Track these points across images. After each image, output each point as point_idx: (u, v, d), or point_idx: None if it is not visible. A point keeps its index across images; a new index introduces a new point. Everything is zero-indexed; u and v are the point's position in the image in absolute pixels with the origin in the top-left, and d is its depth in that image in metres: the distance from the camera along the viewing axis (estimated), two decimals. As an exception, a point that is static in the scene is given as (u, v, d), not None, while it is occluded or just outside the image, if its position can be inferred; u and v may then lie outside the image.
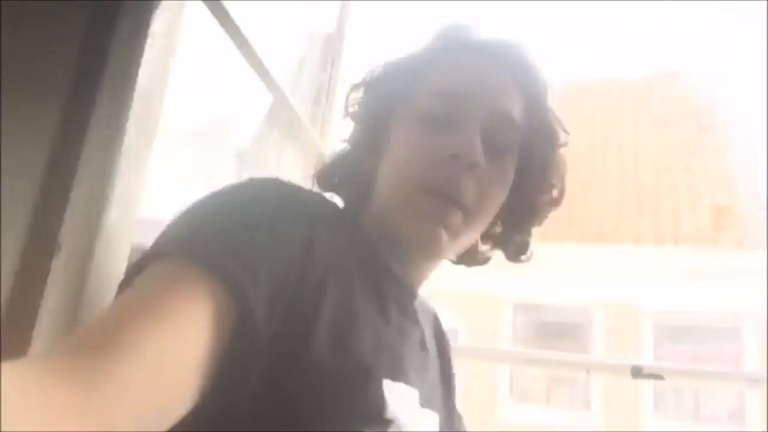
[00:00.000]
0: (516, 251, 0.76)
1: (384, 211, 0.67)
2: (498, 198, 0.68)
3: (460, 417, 0.79)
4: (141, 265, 0.48)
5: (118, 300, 0.46)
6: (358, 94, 0.75)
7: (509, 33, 0.72)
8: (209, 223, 0.50)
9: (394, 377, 0.57)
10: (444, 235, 0.64)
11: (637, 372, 1.54)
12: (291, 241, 0.52)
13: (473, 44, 0.70)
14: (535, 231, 0.75)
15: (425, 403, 0.63)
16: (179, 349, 0.42)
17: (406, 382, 0.59)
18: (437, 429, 0.66)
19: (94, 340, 0.39)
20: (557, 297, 8.95)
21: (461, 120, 0.65)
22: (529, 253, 0.76)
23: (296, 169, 1.51)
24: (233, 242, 0.48)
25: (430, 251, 0.66)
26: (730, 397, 8.28)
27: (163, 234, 0.51)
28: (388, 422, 0.54)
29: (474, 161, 0.63)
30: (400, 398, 0.56)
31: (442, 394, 0.74)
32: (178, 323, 0.42)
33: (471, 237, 0.68)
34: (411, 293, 0.70)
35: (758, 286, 7.31)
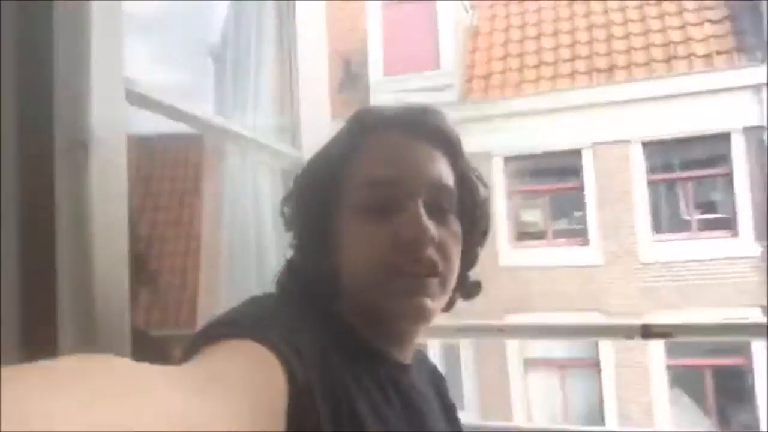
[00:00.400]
0: (470, 293, 0.82)
1: (364, 301, 0.70)
2: (457, 253, 0.73)
3: None
4: (212, 336, 0.55)
5: (205, 351, 0.53)
6: (291, 197, 0.78)
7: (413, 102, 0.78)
8: (261, 315, 0.60)
9: None
10: (429, 304, 0.69)
11: (647, 332, 1.52)
12: (313, 348, 0.59)
13: (388, 121, 0.74)
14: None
15: None
16: (267, 388, 0.50)
17: None
18: None
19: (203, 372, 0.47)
20: (545, 145, 8.94)
21: (404, 202, 0.69)
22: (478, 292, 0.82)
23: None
24: (282, 330, 0.57)
25: (420, 322, 0.71)
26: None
27: (226, 317, 0.60)
28: None
29: (432, 238, 0.68)
30: None
31: None
32: (262, 373, 0.51)
33: (447, 295, 0.74)
34: (404, 369, 0.74)
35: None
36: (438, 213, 0.71)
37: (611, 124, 8.78)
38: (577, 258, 8.95)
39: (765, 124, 8.09)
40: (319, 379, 0.57)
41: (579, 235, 9.16)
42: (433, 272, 0.69)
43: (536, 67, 9.58)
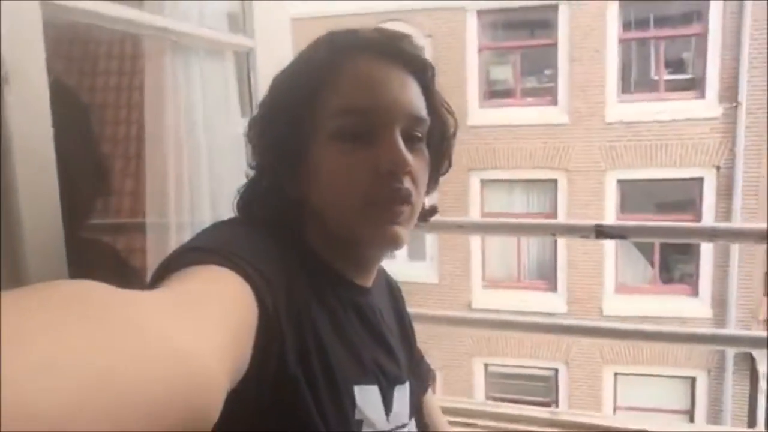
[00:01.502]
0: (426, 217, 0.83)
1: (335, 228, 0.71)
2: (425, 179, 0.75)
3: (421, 356, 0.95)
4: (182, 262, 0.55)
5: (179, 275, 0.53)
6: (258, 120, 0.75)
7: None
8: (230, 242, 0.60)
9: (361, 381, 0.69)
10: (401, 230, 0.71)
11: (600, 232, 1.55)
12: (279, 267, 0.61)
13: (363, 46, 0.71)
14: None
15: (396, 380, 0.77)
16: (240, 313, 0.51)
17: (370, 380, 0.72)
18: (407, 399, 0.79)
19: (176, 296, 0.47)
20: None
21: (381, 131, 0.68)
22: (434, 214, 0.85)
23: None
24: (250, 257, 0.58)
25: (393, 249, 0.73)
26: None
27: (193, 243, 0.61)
28: (359, 423, 0.68)
29: (407, 167, 0.69)
30: (366, 398, 0.70)
31: (406, 355, 0.86)
32: (231, 295, 0.52)
33: (417, 215, 0.76)
34: (365, 292, 0.77)
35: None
36: (411, 141, 0.71)
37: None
38: (543, 117, 8.95)
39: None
40: (286, 303, 0.59)
41: (547, 93, 9.09)
42: (407, 201, 0.70)
43: None
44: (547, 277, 9.28)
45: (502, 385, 9.36)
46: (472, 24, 9.08)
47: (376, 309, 0.79)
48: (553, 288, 9.18)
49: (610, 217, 8.76)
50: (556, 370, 9.21)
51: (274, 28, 1.70)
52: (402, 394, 0.78)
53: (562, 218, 8.70)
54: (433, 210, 0.83)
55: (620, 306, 8.63)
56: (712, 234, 1.35)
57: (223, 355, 0.43)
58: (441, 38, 9.11)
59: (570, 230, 1.57)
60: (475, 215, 9.18)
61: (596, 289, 8.92)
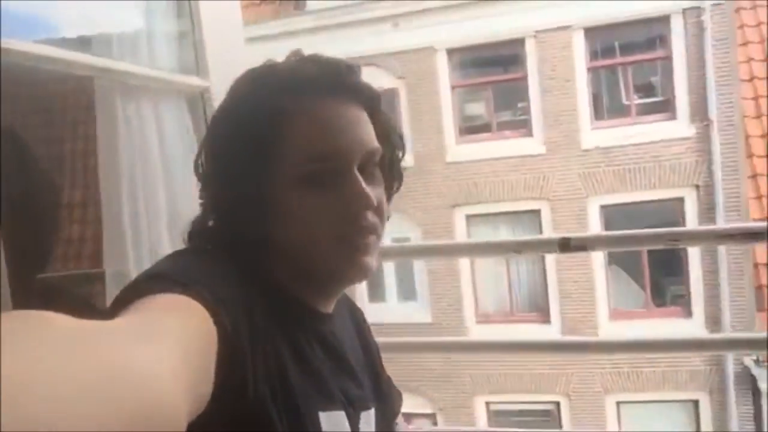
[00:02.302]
0: None
1: (305, 264, 0.73)
2: (385, 205, 0.77)
3: (389, 381, 0.93)
4: (142, 291, 0.56)
5: (137, 305, 0.54)
6: (207, 162, 0.75)
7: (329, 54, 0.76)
8: (188, 270, 0.62)
9: (326, 408, 0.70)
10: (371, 260, 0.74)
11: (564, 246, 1.54)
12: (236, 298, 0.62)
13: (307, 85, 0.71)
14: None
15: (362, 406, 0.77)
16: (198, 338, 0.52)
17: (336, 406, 0.72)
18: (373, 425, 0.80)
19: (137, 325, 0.48)
20: (488, 35, 8.80)
21: (342, 172, 0.71)
22: None
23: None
24: (208, 283, 0.59)
25: (363, 279, 0.75)
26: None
27: (153, 271, 0.62)
28: None
29: (372, 206, 0.72)
30: (332, 424, 0.70)
31: (372, 380, 0.86)
32: (192, 324, 0.52)
33: (381, 240, 0.77)
34: (327, 318, 0.78)
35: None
36: (368, 172, 0.73)
37: (552, 10, 8.62)
38: (521, 148, 9.05)
39: (703, 5, 8.05)
40: (247, 329, 0.60)
41: (522, 125, 9.22)
42: (374, 232, 0.74)
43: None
44: (539, 308, 9.22)
45: (506, 423, 9.20)
46: (442, 63, 9.25)
47: (338, 335, 0.79)
48: (546, 319, 9.12)
49: (596, 243, 8.76)
50: (558, 404, 9.07)
51: (228, 69, 1.71)
52: (368, 420, 0.78)
53: (549, 248, 8.68)
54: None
55: (616, 332, 8.57)
56: (671, 238, 1.35)
57: (184, 382, 0.44)
58: (413, 79, 9.26)
59: (534, 246, 1.57)
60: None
61: (590, 318, 8.87)
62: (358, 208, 0.71)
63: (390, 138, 0.79)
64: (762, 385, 7.67)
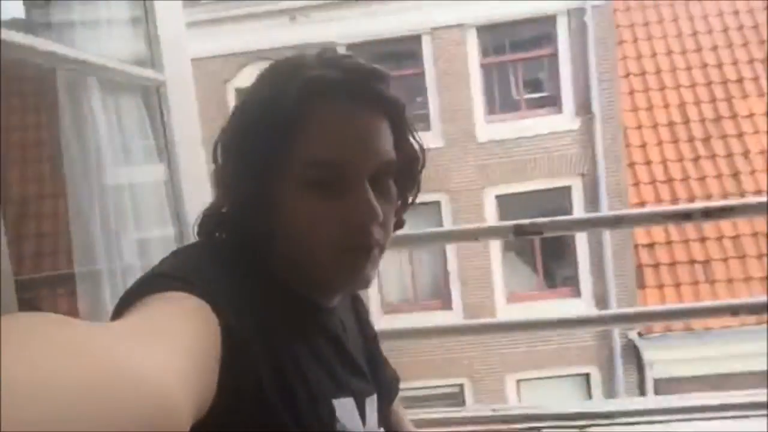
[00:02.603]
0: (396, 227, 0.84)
1: (305, 269, 0.72)
2: (393, 220, 0.76)
3: (387, 365, 0.95)
4: (145, 291, 0.56)
5: (140, 305, 0.54)
6: (224, 149, 0.74)
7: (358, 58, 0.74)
8: (191, 268, 0.62)
9: (338, 395, 0.72)
10: (371, 272, 0.73)
11: (519, 231, 1.65)
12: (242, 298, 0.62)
13: (334, 89, 0.70)
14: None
15: (366, 393, 0.79)
16: (202, 337, 0.52)
17: (346, 394, 0.74)
18: (376, 410, 0.81)
19: (140, 326, 0.49)
20: (386, 31, 8.99)
21: (351, 182, 0.69)
22: None
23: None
24: (211, 281, 0.60)
25: (362, 289, 0.77)
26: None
27: (157, 270, 0.61)
28: None
29: (377, 219, 0.70)
30: (345, 410, 0.73)
31: (371, 365, 0.87)
32: (195, 323, 0.52)
33: (383, 252, 0.77)
34: (330, 312, 0.79)
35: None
36: (379, 184, 0.72)
37: (447, 9, 8.90)
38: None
39: (586, 5, 8.64)
40: (255, 327, 0.60)
41: (421, 120, 9.46)
42: (376, 245, 0.72)
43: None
44: (441, 295, 9.53)
45: (416, 407, 9.38)
46: (342, 59, 9.27)
47: (341, 326, 0.81)
48: (448, 305, 9.43)
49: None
50: (462, 385, 9.43)
51: (179, 65, 1.68)
52: (372, 406, 0.81)
53: (449, 238, 9.01)
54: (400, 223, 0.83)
55: (513, 314, 9.02)
56: (615, 221, 1.49)
57: (188, 382, 0.44)
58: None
59: (491, 232, 1.67)
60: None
61: (489, 302, 9.27)
62: (362, 220, 0.70)
63: (409, 149, 0.78)
64: (646, 356, 8.38)
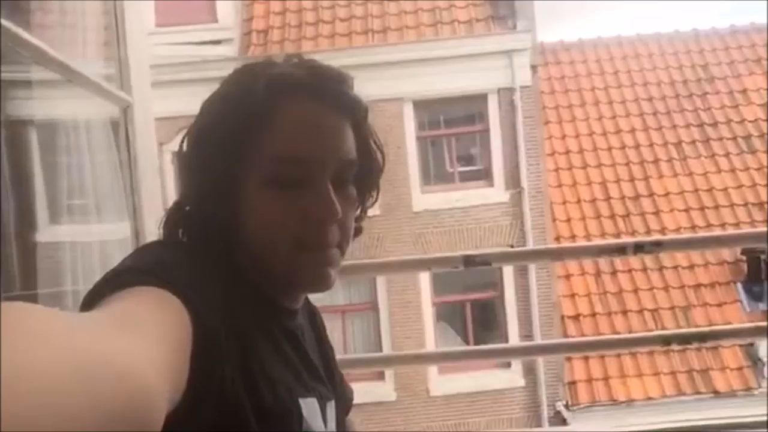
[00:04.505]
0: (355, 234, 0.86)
1: (268, 267, 0.73)
2: (352, 221, 0.77)
3: (341, 376, 0.94)
4: (116, 284, 0.57)
5: (113, 297, 0.55)
6: (189, 146, 0.75)
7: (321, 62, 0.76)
8: (160, 263, 0.62)
9: (304, 395, 0.72)
10: (331, 273, 0.74)
11: (468, 261, 1.74)
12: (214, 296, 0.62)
13: (299, 88, 0.72)
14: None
15: (326, 397, 0.78)
16: (174, 329, 0.53)
17: (311, 394, 0.74)
18: (334, 412, 0.81)
19: (117, 316, 0.49)
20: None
21: (312, 179, 0.71)
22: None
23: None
24: (181, 275, 0.60)
25: (322, 290, 0.76)
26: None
27: (126, 264, 0.62)
28: None
29: (336, 217, 0.71)
30: (310, 410, 0.73)
31: (328, 377, 0.86)
32: (167, 316, 0.53)
33: (344, 256, 0.78)
34: (293, 314, 0.79)
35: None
36: (340, 183, 0.73)
37: (385, 82, 9.28)
38: (356, 210, 9.38)
39: (515, 86, 9.22)
40: (224, 321, 0.60)
41: (358, 188, 9.62)
42: (335, 244, 0.73)
43: (314, 24, 9.70)
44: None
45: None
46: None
47: (301, 330, 0.81)
48: (380, 376, 9.33)
49: (426, 300, 9.30)
50: None
51: (143, 89, 1.72)
52: (332, 411, 0.81)
53: (382, 308, 9.12)
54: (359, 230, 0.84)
55: (446, 385, 9.01)
56: (557, 254, 1.60)
57: (162, 373, 0.45)
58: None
59: (442, 262, 1.74)
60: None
61: (421, 373, 9.23)
62: (321, 216, 0.71)
63: (370, 151, 0.79)
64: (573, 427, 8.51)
